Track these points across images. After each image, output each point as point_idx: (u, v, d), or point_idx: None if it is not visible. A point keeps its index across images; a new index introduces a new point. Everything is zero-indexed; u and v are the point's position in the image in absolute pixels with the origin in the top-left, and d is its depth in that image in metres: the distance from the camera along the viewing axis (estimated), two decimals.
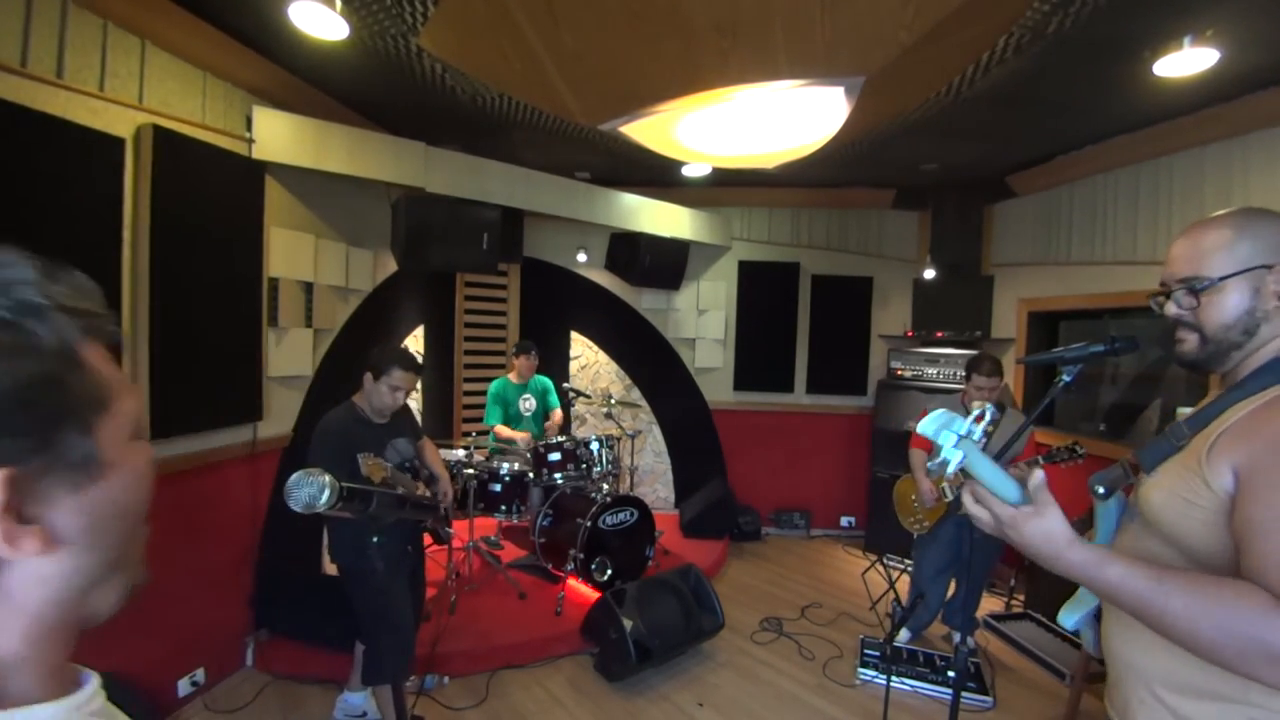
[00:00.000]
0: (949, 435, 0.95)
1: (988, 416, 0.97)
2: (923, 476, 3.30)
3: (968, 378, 3.25)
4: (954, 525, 3.24)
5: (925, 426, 0.96)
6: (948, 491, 3.24)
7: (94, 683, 0.44)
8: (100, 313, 0.45)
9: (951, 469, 0.94)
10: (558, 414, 4.53)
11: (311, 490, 0.99)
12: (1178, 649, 0.90)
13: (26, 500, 0.39)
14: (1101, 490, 1.09)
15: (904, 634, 3.50)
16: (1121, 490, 1.16)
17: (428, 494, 2.52)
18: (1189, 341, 1.04)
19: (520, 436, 4.15)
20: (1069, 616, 1.18)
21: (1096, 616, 1.18)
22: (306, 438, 2.51)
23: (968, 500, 0.98)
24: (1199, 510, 0.93)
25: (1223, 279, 0.98)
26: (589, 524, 3.54)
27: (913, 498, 3.41)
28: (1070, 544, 0.90)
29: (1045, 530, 0.90)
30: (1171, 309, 1.05)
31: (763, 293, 5.36)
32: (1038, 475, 0.94)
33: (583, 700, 2.93)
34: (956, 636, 3.36)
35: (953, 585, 3.50)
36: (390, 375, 2.37)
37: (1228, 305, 0.99)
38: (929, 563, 3.36)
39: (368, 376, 2.40)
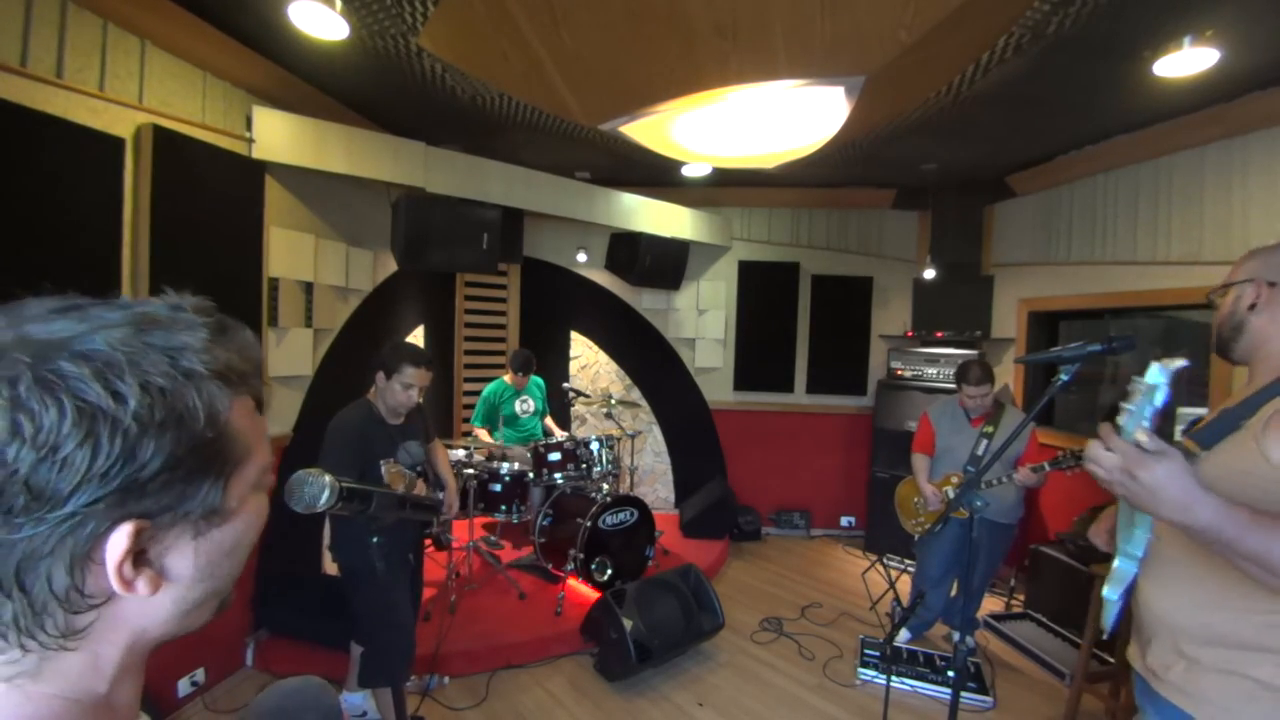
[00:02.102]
0: (1159, 378, 0.94)
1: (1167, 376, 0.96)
2: (924, 479, 3.31)
3: (958, 387, 3.26)
4: (956, 525, 3.24)
5: (1157, 376, 0.95)
6: (950, 494, 3.23)
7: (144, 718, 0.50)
8: (252, 373, 0.48)
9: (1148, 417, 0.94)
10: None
11: (312, 491, 0.99)
12: (1216, 607, 1.08)
13: (149, 544, 0.42)
14: None
15: (904, 634, 3.50)
16: None
17: (429, 496, 2.51)
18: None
19: (494, 445, 4.22)
20: (1113, 590, 1.21)
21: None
22: (307, 438, 2.51)
23: (1094, 447, 0.97)
24: (1257, 480, 1.03)
25: (1226, 286, 1.24)
26: (589, 524, 3.54)
27: (915, 500, 3.41)
28: (1202, 488, 0.91)
29: (1171, 471, 0.90)
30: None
31: (763, 293, 5.36)
32: (1144, 426, 0.94)
33: (583, 700, 2.93)
34: (956, 636, 3.36)
35: (955, 586, 3.51)
36: (402, 373, 2.35)
37: (1223, 308, 1.24)
38: (932, 565, 3.36)
39: (380, 375, 2.39)
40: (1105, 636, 1.41)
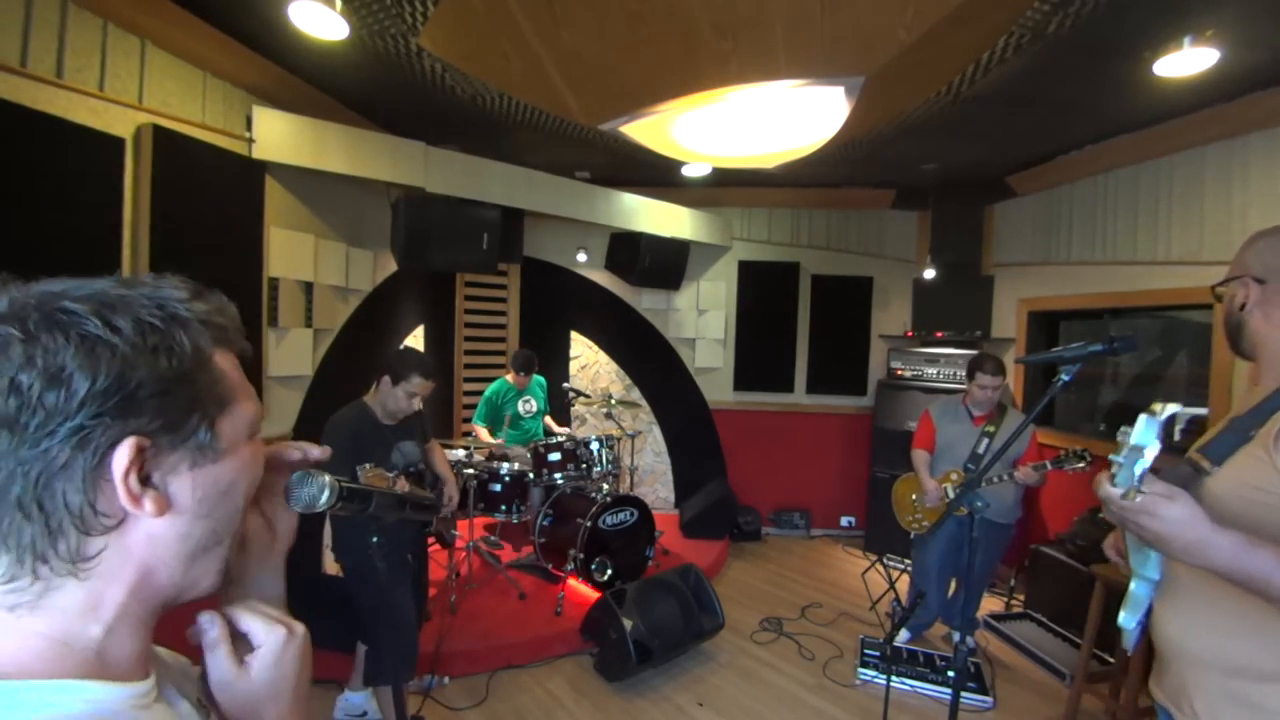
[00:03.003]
0: (1150, 433, 0.89)
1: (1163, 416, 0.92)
2: (926, 475, 3.31)
3: (970, 377, 3.25)
4: (954, 524, 3.24)
5: (1145, 436, 0.90)
6: (949, 491, 3.24)
7: (154, 678, 0.50)
8: (232, 328, 0.54)
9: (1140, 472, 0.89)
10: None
11: (312, 490, 0.98)
12: (1236, 636, 0.95)
13: (152, 468, 0.47)
14: None
15: (904, 634, 3.50)
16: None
17: (429, 495, 2.52)
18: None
19: (494, 444, 4.22)
20: (1130, 617, 1.16)
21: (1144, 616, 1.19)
22: (306, 438, 2.51)
23: (1103, 486, 0.94)
24: (1268, 496, 0.95)
25: (1226, 281, 1.16)
26: (589, 524, 3.54)
27: (913, 497, 3.41)
28: (1214, 528, 0.87)
29: (1181, 515, 0.87)
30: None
31: (763, 293, 5.36)
32: (1145, 474, 0.91)
33: (583, 700, 2.93)
34: (956, 636, 3.36)
35: (953, 585, 3.51)
36: (410, 382, 2.38)
37: (1225, 304, 1.17)
38: (929, 562, 3.36)
39: (385, 380, 2.40)
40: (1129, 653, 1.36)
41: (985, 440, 3.18)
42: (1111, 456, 0.94)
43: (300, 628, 0.61)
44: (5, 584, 0.44)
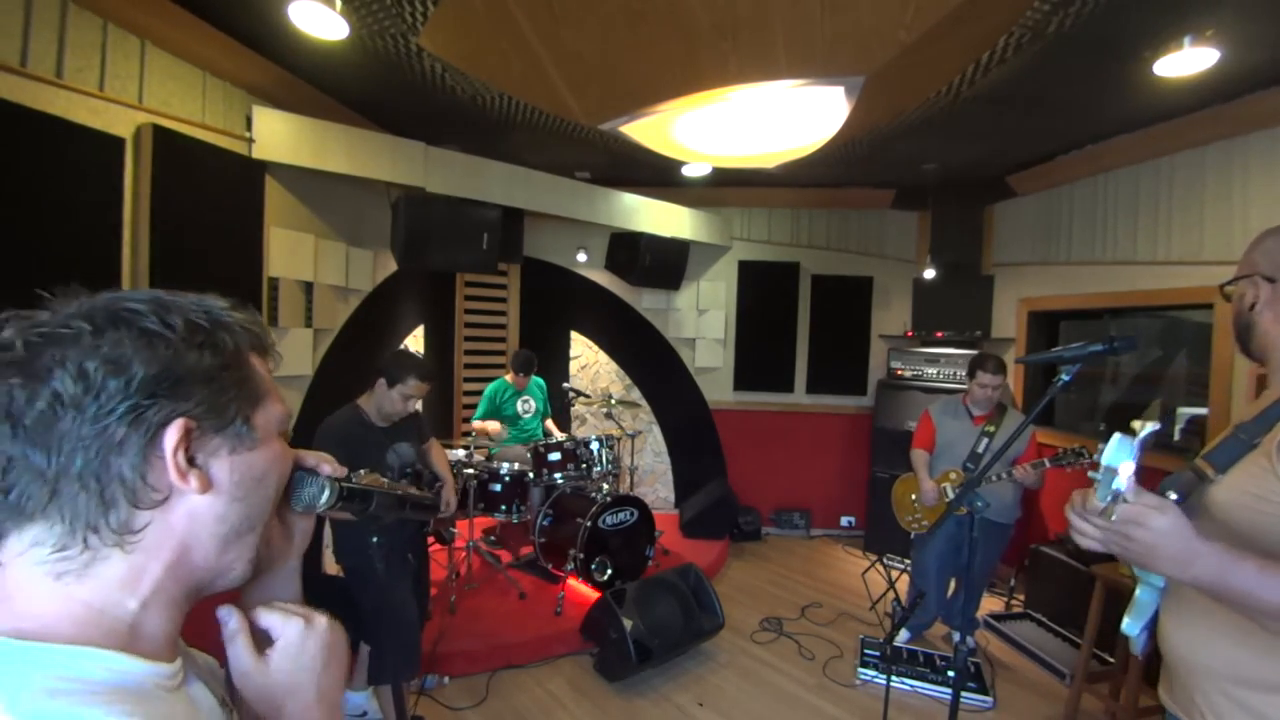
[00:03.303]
0: (1125, 453, 0.87)
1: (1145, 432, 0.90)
2: (925, 475, 3.31)
3: (971, 375, 3.26)
4: (953, 524, 3.24)
5: (1117, 456, 0.87)
6: (949, 491, 3.24)
7: (181, 663, 0.53)
8: (265, 337, 0.60)
9: (1124, 486, 0.87)
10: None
11: (312, 490, 0.98)
12: (1241, 645, 0.92)
13: (196, 449, 0.52)
14: (1175, 496, 1.05)
15: (904, 634, 3.50)
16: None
17: (429, 495, 2.51)
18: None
19: (493, 429, 4.21)
20: (1134, 624, 1.14)
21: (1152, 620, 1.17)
22: (306, 438, 2.51)
23: (1074, 518, 0.92)
24: (1269, 506, 0.94)
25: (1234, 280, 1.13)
26: (589, 524, 3.54)
27: (912, 497, 3.41)
28: (1203, 540, 0.86)
29: (1166, 526, 0.86)
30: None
31: (763, 293, 5.36)
32: (1122, 492, 0.88)
33: (582, 700, 2.93)
34: (956, 636, 3.37)
35: (952, 585, 3.51)
36: (406, 385, 2.38)
37: (1234, 303, 1.13)
38: (928, 562, 3.36)
39: (381, 382, 2.40)
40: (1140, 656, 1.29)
41: (985, 440, 3.18)
42: (1090, 474, 0.92)
43: (322, 620, 0.63)
44: (56, 552, 0.47)
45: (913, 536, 3.48)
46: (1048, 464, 2.94)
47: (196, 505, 0.52)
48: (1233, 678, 0.99)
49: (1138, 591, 1.13)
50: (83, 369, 0.46)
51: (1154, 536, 0.86)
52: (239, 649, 0.59)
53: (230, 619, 0.59)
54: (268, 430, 0.58)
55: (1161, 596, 1.12)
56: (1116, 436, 0.87)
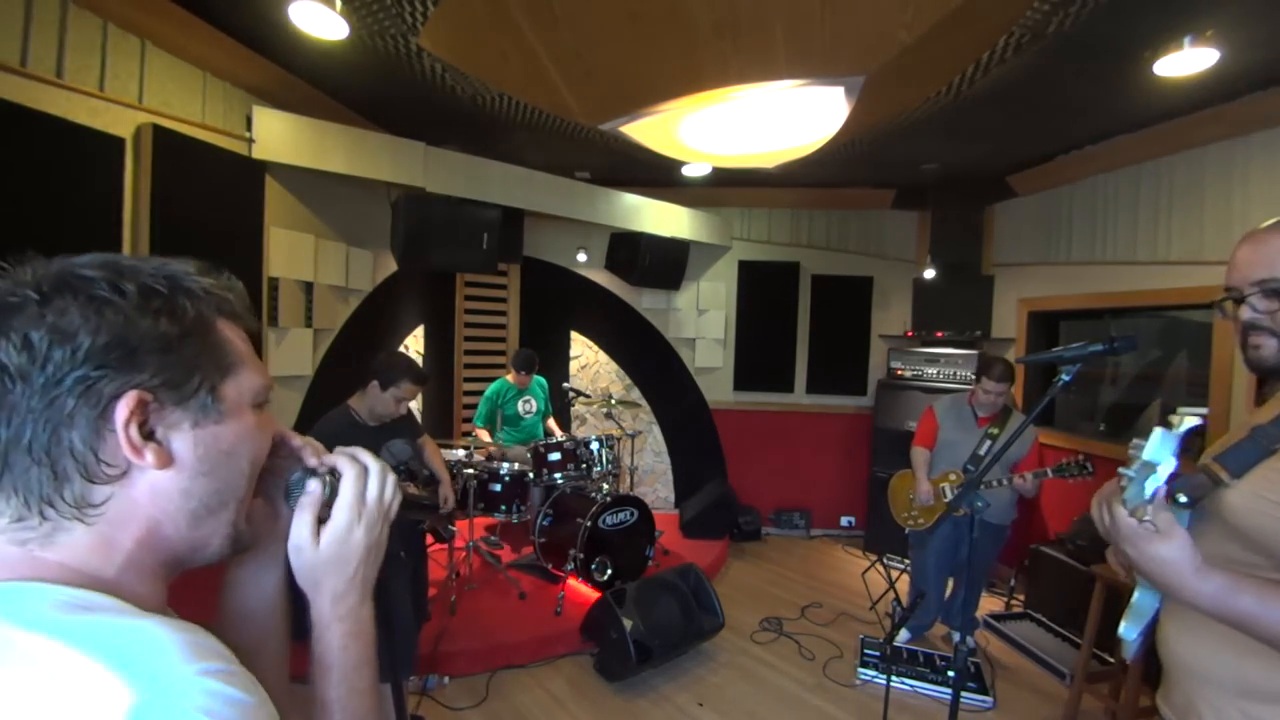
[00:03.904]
0: (1166, 450, 0.84)
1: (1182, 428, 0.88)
2: (923, 475, 3.31)
3: (977, 380, 3.26)
4: (951, 524, 3.25)
5: (1160, 452, 0.86)
6: (947, 492, 3.24)
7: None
8: (238, 302, 0.57)
9: (1153, 490, 0.86)
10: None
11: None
12: (1247, 654, 0.89)
13: (155, 423, 0.49)
14: (1184, 499, 1.02)
15: (904, 634, 3.50)
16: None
17: (426, 494, 2.51)
18: (1267, 346, 0.98)
19: (491, 447, 4.21)
20: (1131, 629, 1.12)
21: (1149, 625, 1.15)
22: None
23: (1095, 506, 0.91)
24: None
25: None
26: (589, 524, 3.54)
27: (909, 494, 3.42)
28: (1197, 573, 0.86)
29: (1168, 556, 0.86)
30: (1247, 313, 0.99)
31: (763, 293, 5.36)
32: (1158, 500, 0.87)
33: (582, 700, 2.93)
34: (956, 636, 3.37)
35: (950, 584, 3.51)
36: (400, 387, 2.38)
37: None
38: (927, 562, 3.36)
39: (374, 385, 2.40)
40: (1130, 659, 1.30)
41: (988, 442, 3.18)
42: (1121, 470, 0.90)
43: (375, 464, 0.66)
44: (14, 523, 0.47)
45: (909, 535, 3.49)
46: (1050, 474, 2.92)
47: (158, 480, 0.50)
48: (1238, 687, 0.95)
49: (1136, 594, 1.11)
50: (27, 339, 0.45)
51: (1153, 565, 0.87)
52: (304, 524, 0.62)
53: (315, 488, 0.63)
54: (238, 402, 0.55)
55: (1162, 601, 1.09)
56: (1158, 431, 0.85)
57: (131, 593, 0.49)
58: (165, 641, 0.43)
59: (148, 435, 0.49)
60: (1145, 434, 0.87)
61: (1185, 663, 1.04)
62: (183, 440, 0.51)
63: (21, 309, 0.46)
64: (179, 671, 0.41)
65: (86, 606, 0.44)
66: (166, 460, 0.50)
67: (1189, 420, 0.87)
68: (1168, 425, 0.87)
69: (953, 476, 3.24)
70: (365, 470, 0.65)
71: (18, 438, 0.45)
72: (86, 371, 0.46)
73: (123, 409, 0.47)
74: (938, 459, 3.34)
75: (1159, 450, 0.85)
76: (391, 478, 0.67)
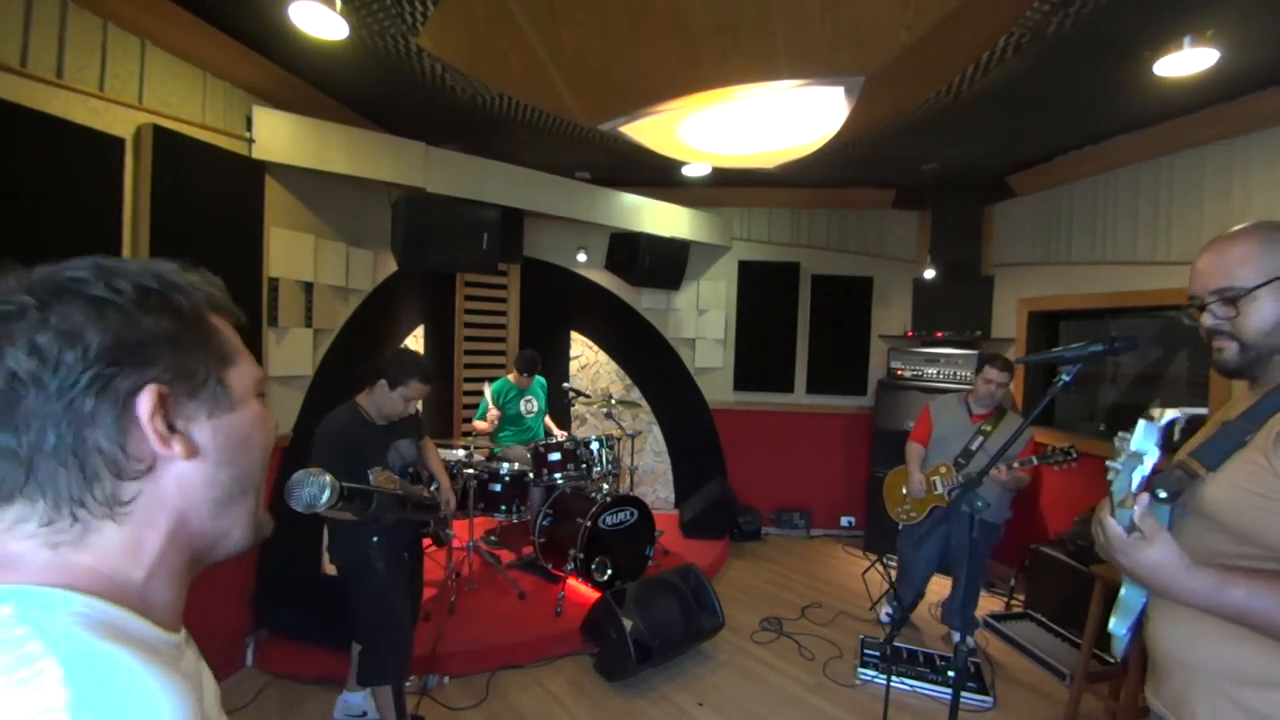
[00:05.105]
0: (1149, 442, 0.90)
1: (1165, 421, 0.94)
2: (915, 468, 3.36)
3: (979, 370, 3.29)
4: (943, 520, 3.31)
5: (1144, 441, 0.92)
6: (937, 484, 3.28)
7: (185, 633, 0.54)
8: (222, 296, 0.59)
9: (1135, 486, 0.91)
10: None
11: (313, 490, 0.98)
12: (1238, 641, 0.93)
13: (174, 416, 0.51)
14: (1164, 495, 1.06)
15: (884, 614, 3.60)
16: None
17: (428, 494, 2.51)
18: (1229, 350, 1.06)
19: (491, 415, 4.29)
20: (1120, 624, 1.15)
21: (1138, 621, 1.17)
22: (307, 438, 2.51)
23: (1103, 515, 0.96)
24: (1269, 503, 0.94)
25: (1256, 288, 1.02)
26: (589, 524, 3.54)
27: (903, 489, 3.45)
28: (1187, 571, 0.89)
29: (1157, 560, 0.90)
30: (1208, 320, 1.08)
31: (763, 293, 5.36)
32: (1143, 500, 0.92)
33: (583, 700, 2.93)
34: (956, 636, 3.38)
35: (950, 584, 3.53)
36: (408, 386, 2.37)
37: (1264, 312, 1.02)
38: (915, 558, 3.44)
39: (382, 384, 2.39)
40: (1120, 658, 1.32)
41: (980, 438, 3.21)
42: (1109, 463, 0.93)
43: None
44: (44, 526, 0.47)
45: (900, 528, 3.52)
46: (1035, 461, 2.97)
47: (184, 472, 0.51)
48: (1231, 675, 0.97)
49: (1124, 591, 1.12)
50: (34, 344, 0.45)
51: (1145, 570, 0.90)
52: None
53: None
54: (244, 391, 0.57)
55: (1149, 595, 1.11)
56: (1142, 422, 0.90)
57: (158, 601, 0.51)
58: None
59: (170, 428, 0.50)
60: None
61: (1177, 655, 1.06)
62: (202, 431, 0.52)
63: (21, 316, 0.46)
64: None
65: (112, 627, 0.44)
66: (192, 450, 0.51)
67: (1170, 413, 0.92)
68: (1150, 418, 0.91)
69: (943, 469, 3.29)
70: None
71: (40, 443, 0.46)
72: (100, 370, 0.46)
73: (145, 402, 0.48)
74: (932, 454, 3.39)
75: (1144, 440, 0.89)
76: None
